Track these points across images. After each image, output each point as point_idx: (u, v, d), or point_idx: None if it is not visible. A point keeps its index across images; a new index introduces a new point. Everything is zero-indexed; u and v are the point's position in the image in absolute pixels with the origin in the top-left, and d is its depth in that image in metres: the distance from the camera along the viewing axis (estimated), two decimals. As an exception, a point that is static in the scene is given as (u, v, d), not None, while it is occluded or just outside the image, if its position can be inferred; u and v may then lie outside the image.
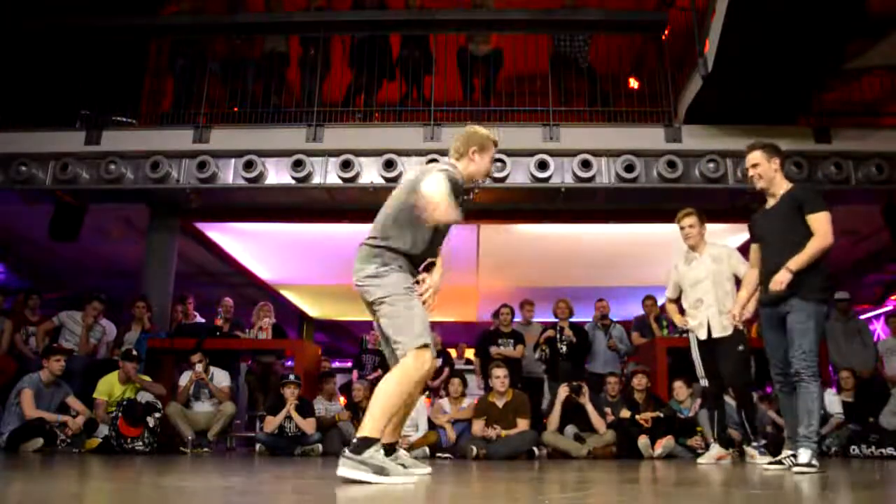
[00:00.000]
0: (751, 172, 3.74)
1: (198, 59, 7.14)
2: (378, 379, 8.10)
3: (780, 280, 3.39)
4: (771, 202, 3.76)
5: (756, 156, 3.73)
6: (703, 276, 4.62)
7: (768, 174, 3.70)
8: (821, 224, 3.43)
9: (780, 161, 3.72)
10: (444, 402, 6.39)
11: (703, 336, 4.55)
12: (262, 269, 10.20)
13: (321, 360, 7.95)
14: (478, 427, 5.58)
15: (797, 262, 3.40)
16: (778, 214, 3.66)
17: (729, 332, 4.43)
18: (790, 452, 3.54)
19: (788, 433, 3.66)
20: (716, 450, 4.52)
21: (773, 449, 5.08)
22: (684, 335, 4.94)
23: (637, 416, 5.63)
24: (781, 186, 3.71)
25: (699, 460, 4.59)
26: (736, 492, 2.60)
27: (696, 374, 7.05)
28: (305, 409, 5.87)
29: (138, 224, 7.93)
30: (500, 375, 5.63)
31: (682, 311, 4.87)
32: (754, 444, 4.43)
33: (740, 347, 4.46)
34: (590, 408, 5.68)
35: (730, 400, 5.84)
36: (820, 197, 3.57)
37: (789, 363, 3.45)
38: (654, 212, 7.34)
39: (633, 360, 7.24)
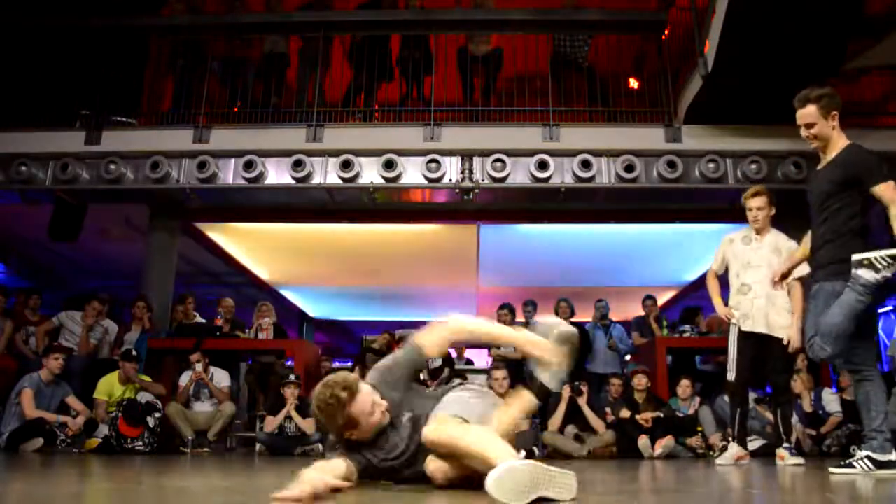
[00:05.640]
0: (804, 133, 3.29)
1: (198, 59, 7.14)
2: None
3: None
4: (823, 161, 3.33)
5: (810, 113, 3.24)
6: (760, 263, 4.20)
7: (824, 133, 3.24)
8: (886, 193, 3.05)
9: (838, 114, 3.23)
10: (444, 402, 6.38)
11: (747, 327, 4.14)
12: (262, 269, 10.21)
13: (321, 360, 7.95)
14: (478, 427, 5.57)
15: None
16: (824, 177, 3.25)
17: (780, 332, 4.10)
18: (865, 454, 3.09)
19: (865, 432, 3.22)
20: (735, 450, 4.16)
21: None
22: (722, 334, 4.50)
23: (637, 417, 5.63)
24: (836, 146, 3.25)
25: (717, 461, 4.27)
26: (736, 491, 2.60)
27: (698, 372, 7.09)
28: (305, 409, 5.87)
29: (138, 224, 7.93)
30: (498, 377, 5.63)
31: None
32: (785, 445, 4.12)
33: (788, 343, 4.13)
34: (586, 410, 5.68)
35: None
36: (880, 164, 3.14)
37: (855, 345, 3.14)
38: (654, 212, 7.35)
39: (633, 359, 7.26)
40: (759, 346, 4.16)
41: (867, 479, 2.87)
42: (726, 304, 4.34)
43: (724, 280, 4.48)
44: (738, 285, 4.27)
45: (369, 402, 2.21)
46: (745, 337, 4.17)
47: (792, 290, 4.15)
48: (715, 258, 4.50)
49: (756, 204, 4.31)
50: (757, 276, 4.20)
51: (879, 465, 3.02)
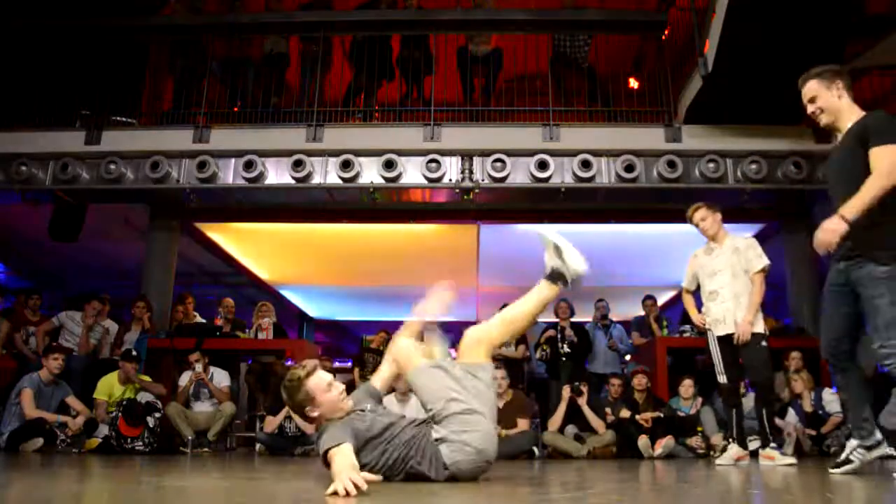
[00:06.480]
0: (810, 109, 3.12)
1: (198, 59, 7.14)
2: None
3: (832, 229, 2.72)
4: (839, 136, 3.11)
5: (811, 88, 3.09)
6: (722, 267, 4.34)
7: (831, 105, 3.05)
8: (880, 159, 2.76)
9: (843, 84, 3.05)
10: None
11: (720, 332, 4.28)
12: (262, 269, 10.20)
13: (321, 360, 7.95)
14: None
15: (852, 207, 2.72)
16: (840, 148, 3.06)
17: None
18: (857, 443, 3.04)
19: (852, 423, 3.17)
20: (734, 450, 4.24)
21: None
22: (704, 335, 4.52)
23: (637, 416, 5.64)
24: (850, 117, 3.04)
25: (717, 461, 4.34)
26: (736, 491, 2.60)
27: (699, 372, 7.08)
28: (305, 409, 5.87)
29: (138, 224, 7.93)
30: (498, 377, 5.63)
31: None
32: (772, 444, 4.16)
33: (763, 343, 4.20)
34: (586, 410, 5.69)
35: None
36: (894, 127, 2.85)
37: (841, 341, 3.01)
38: (654, 212, 7.35)
39: (633, 359, 7.25)
40: (732, 347, 4.26)
41: (867, 478, 2.87)
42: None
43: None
44: (707, 293, 4.43)
45: (326, 380, 2.53)
46: (721, 340, 4.30)
47: (753, 284, 4.24)
48: (685, 277, 4.66)
49: (699, 216, 4.51)
50: (722, 281, 4.34)
51: (870, 448, 3.04)
